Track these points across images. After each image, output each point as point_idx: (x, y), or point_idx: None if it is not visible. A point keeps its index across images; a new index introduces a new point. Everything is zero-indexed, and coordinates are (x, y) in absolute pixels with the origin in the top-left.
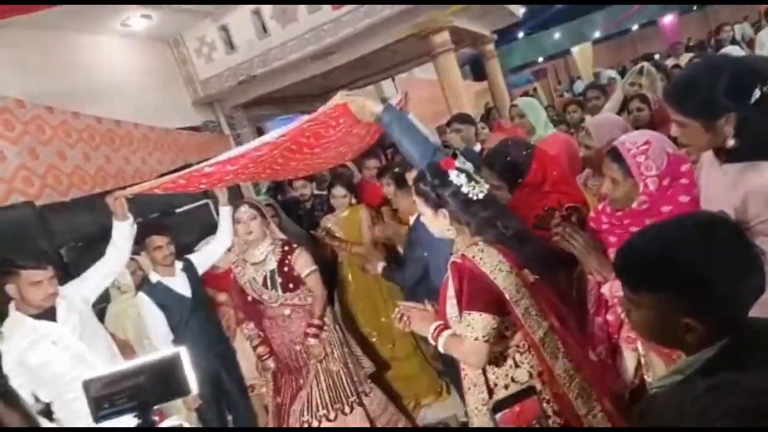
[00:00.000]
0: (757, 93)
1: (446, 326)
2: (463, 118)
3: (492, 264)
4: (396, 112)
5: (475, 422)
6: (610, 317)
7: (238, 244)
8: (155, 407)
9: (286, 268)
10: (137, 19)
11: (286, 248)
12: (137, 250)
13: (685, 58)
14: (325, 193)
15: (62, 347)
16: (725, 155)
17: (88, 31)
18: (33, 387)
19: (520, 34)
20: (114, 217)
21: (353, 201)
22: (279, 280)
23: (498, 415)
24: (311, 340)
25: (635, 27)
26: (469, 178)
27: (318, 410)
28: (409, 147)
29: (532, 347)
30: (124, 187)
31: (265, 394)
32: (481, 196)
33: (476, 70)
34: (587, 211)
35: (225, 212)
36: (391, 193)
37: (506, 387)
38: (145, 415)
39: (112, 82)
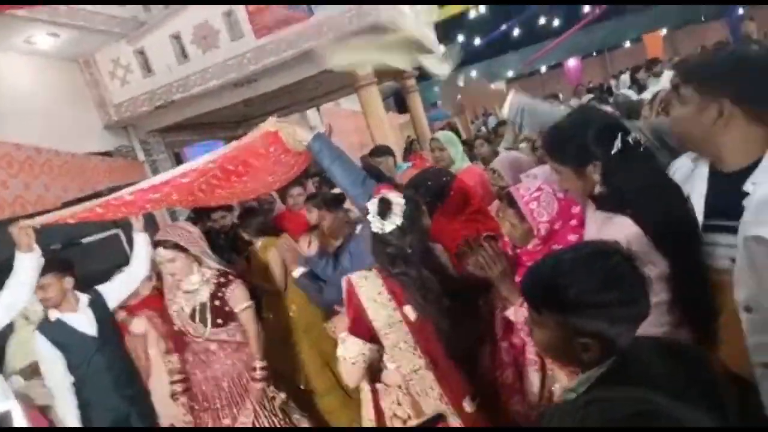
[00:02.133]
0: (618, 143)
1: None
2: (383, 150)
3: (369, 294)
4: (326, 140)
5: None
6: (515, 339)
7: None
8: None
9: (218, 302)
10: (43, 36)
11: (222, 280)
12: None
13: (585, 99)
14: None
15: None
16: (596, 201)
17: None
18: None
19: None
20: (18, 248)
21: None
22: (208, 313)
23: None
24: (257, 385)
25: (544, 68)
26: (382, 211)
27: None
28: (339, 175)
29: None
30: (31, 216)
31: None
32: (387, 230)
33: (399, 103)
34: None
35: (141, 239)
36: (314, 218)
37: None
38: None
39: (13, 101)
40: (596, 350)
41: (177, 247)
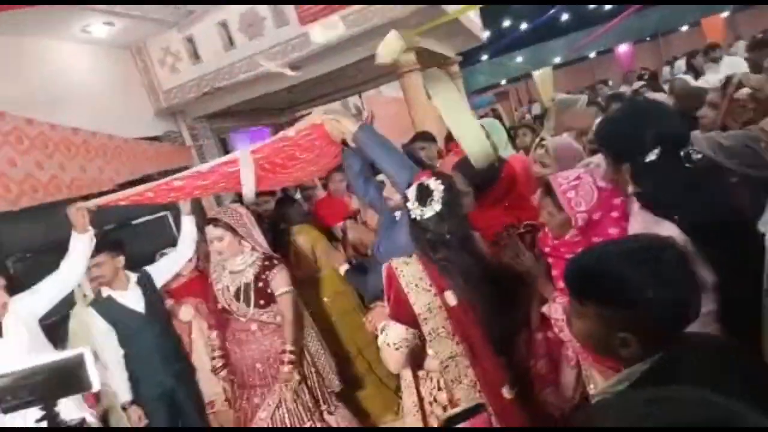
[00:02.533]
0: (653, 155)
1: None
2: (427, 137)
3: (409, 279)
4: (371, 129)
5: (408, 421)
6: (550, 335)
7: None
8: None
9: (261, 283)
10: (99, 25)
11: (266, 263)
12: None
13: (637, 86)
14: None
15: (5, 364)
16: (639, 199)
17: (47, 36)
18: None
19: (484, 57)
20: (73, 228)
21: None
22: (252, 294)
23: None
24: (286, 368)
25: (593, 54)
26: (421, 198)
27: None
28: (386, 162)
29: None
30: (86, 198)
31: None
32: (426, 216)
33: None
34: (540, 232)
35: (187, 222)
36: (357, 204)
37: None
38: (48, 408)
39: (70, 88)
40: (636, 347)
41: (226, 226)
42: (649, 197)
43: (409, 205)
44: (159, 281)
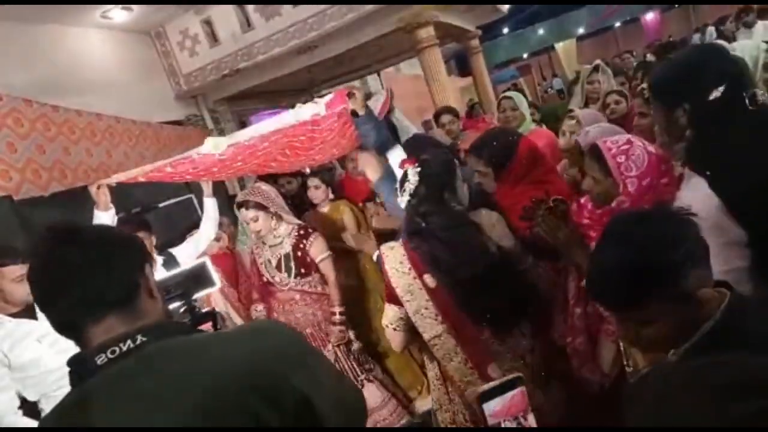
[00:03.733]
0: (717, 92)
1: None
2: (451, 111)
3: (392, 263)
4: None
5: (433, 396)
6: (590, 309)
7: (247, 230)
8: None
9: (300, 253)
10: (118, 10)
11: (302, 232)
12: None
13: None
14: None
15: (47, 344)
16: (684, 154)
17: (68, 22)
18: (19, 387)
19: (505, 30)
20: (96, 207)
21: (331, 196)
22: (293, 264)
23: (486, 405)
24: (336, 328)
25: (618, 24)
26: (401, 185)
27: None
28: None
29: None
30: None
31: None
32: (403, 204)
33: (461, 65)
34: (571, 205)
35: (210, 203)
36: None
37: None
38: (188, 299)
39: (93, 74)
40: (707, 296)
41: (258, 206)
42: (699, 148)
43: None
44: (184, 262)
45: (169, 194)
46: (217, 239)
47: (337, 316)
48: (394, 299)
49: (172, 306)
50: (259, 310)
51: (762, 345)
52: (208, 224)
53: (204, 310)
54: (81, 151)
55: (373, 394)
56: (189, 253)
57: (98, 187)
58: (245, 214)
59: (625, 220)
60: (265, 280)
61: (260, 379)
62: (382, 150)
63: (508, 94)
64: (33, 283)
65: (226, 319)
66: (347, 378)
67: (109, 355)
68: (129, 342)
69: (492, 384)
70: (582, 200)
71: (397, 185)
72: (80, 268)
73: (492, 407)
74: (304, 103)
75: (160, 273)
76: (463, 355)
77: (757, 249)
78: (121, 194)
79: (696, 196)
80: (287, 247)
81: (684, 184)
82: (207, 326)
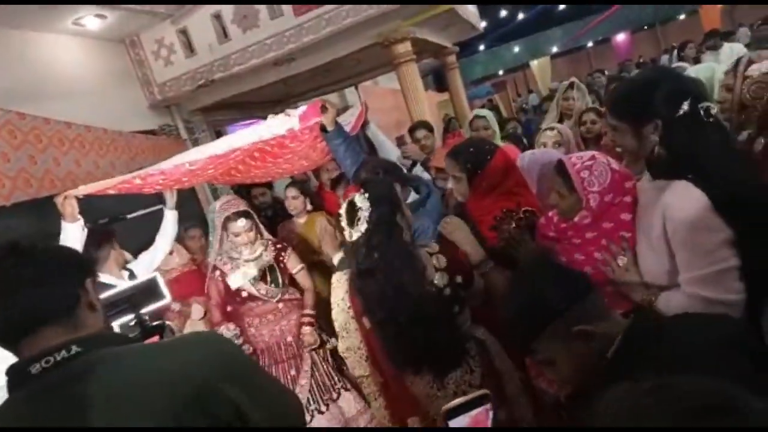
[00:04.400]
0: (685, 106)
1: None
2: (426, 126)
3: (337, 296)
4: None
5: None
6: None
7: (226, 246)
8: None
9: (282, 265)
10: (91, 18)
11: (279, 246)
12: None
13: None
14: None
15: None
16: (652, 168)
17: (39, 28)
18: None
19: (482, 47)
20: (63, 218)
21: (309, 207)
22: (278, 274)
23: (452, 422)
24: (306, 329)
25: (590, 44)
26: (350, 217)
27: (323, 395)
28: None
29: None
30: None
31: None
32: (354, 238)
33: (438, 81)
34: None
35: (170, 216)
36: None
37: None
38: (138, 314)
39: (63, 82)
40: (593, 332)
41: (250, 215)
42: (672, 158)
43: (343, 225)
44: (141, 275)
45: (139, 205)
46: (170, 252)
47: (307, 318)
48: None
49: (122, 319)
50: (231, 329)
51: (663, 367)
52: (165, 238)
53: (154, 324)
54: (48, 159)
55: (349, 403)
56: (145, 266)
57: (64, 198)
58: (239, 226)
59: (514, 275)
60: (244, 295)
61: (189, 387)
62: (352, 164)
63: (480, 113)
64: None
65: (176, 333)
66: (285, 389)
67: (44, 365)
68: (63, 352)
69: (458, 401)
70: (550, 213)
71: (344, 223)
72: (19, 282)
73: (457, 424)
74: (277, 114)
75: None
76: (383, 400)
77: (741, 248)
78: (87, 205)
79: (683, 198)
80: (269, 260)
81: (652, 195)
82: (155, 339)
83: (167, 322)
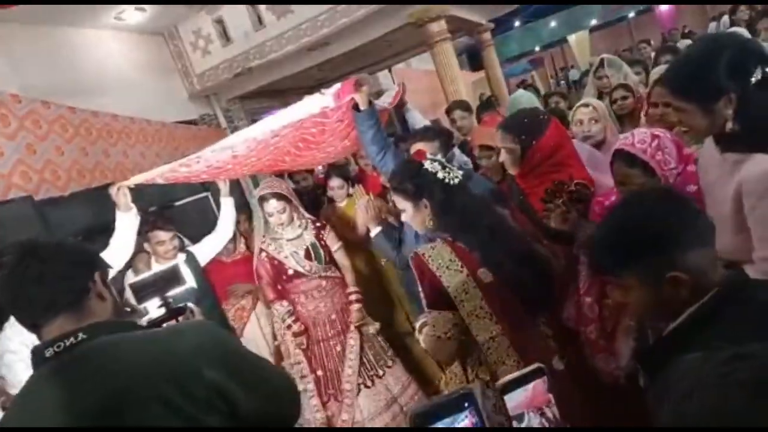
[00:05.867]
0: (758, 73)
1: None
2: (464, 105)
3: (439, 262)
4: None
5: (452, 389)
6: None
7: (262, 228)
8: (168, 294)
9: (322, 242)
10: (131, 12)
11: (318, 224)
12: (141, 242)
13: (682, 45)
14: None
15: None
16: (725, 142)
17: (83, 25)
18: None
19: (517, 23)
20: (117, 208)
21: (350, 191)
22: (321, 251)
23: (507, 396)
24: (355, 305)
25: (632, 14)
26: (443, 166)
27: (369, 370)
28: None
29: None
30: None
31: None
32: (456, 181)
33: (473, 59)
34: (593, 190)
35: (227, 203)
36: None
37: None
38: (164, 298)
39: (108, 75)
40: (690, 280)
41: (282, 197)
42: (748, 131)
43: (437, 171)
44: (202, 260)
45: (185, 193)
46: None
47: (354, 295)
48: (440, 303)
49: (149, 302)
50: (284, 305)
51: (755, 334)
52: (226, 223)
53: (178, 306)
54: (98, 151)
55: (395, 376)
56: (208, 251)
57: (118, 189)
58: (274, 205)
59: (634, 194)
60: (291, 273)
61: (172, 371)
62: (378, 151)
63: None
64: (1, 291)
65: (196, 313)
66: (276, 371)
67: (56, 349)
68: (71, 338)
69: (513, 375)
70: (613, 197)
71: (435, 169)
72: (36, 278)
73: (514, 399)
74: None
75: (183, 270)
76: (516, 356)
77: None
78: (137, 193)
79: (762, 167)
80: (310, 238)
81: (724, 169)
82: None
83: (189, 304)
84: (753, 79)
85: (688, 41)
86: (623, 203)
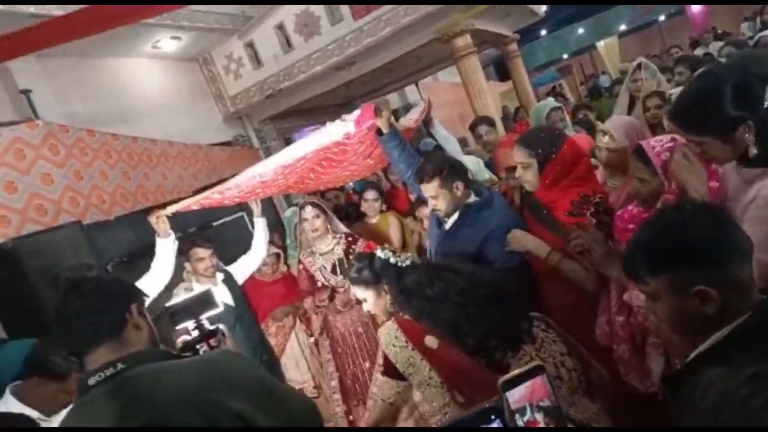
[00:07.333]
0: (767, 96)
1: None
2: (488, 121)
3: (387, 340)
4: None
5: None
6: (632, 321)
7: (305, 241)
8: (202, 317)
9: (350, 257)
10: (167, 40)
11: (350, 239)
12: (181, 262)
13: (714, 47)
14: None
15: None
16: (745, 162)
17: (122, 54)
18: None
19: (543, 32)
20: (156, 234)
21: (383, 208)
22: (347, 266)
23: (508, 393)
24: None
25: (662, 18)
26: (393, 252)
27: None
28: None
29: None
30: (164, 205)
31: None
32: (408, 263)
33: (500, 70)
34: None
35: (260, 223)
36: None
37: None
38: (198, 321)
39: (147, 102)
40: (718, 298)
41: (319, 208)
42: None
43: (389, 257)
44: (239, 279)
45: (222, 214)
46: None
47: None
48: (394, 374)
49: (183, 324)
50: (322, 299)
51: None
52: (260, 243)
53: (210, 328)
54: (139, 175)
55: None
56: (244, 270)
57: (157, 218)
58: (309, 212)
59: (674, 205)
60: (320, 285)
61: (202, 402)
62: (407, 167)
63: (556, 105)
64: (53, 323)
65: (227, 336)
66: (296, 395)
67: (98, 379)
68: (111, 369)
69: (513, 373)
70: (630, 206)
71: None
72: (79, 312)
73: (514, 394)
74: (333, 121)
75: (219, 289)
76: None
77: None
78: (177, 216)
79: None
80: (339, 253)
81: (745, 180)
82: (212, 340)
83: (220, 326)
84: (766, 103)
85: (720, 43)
86: (661, 212)
